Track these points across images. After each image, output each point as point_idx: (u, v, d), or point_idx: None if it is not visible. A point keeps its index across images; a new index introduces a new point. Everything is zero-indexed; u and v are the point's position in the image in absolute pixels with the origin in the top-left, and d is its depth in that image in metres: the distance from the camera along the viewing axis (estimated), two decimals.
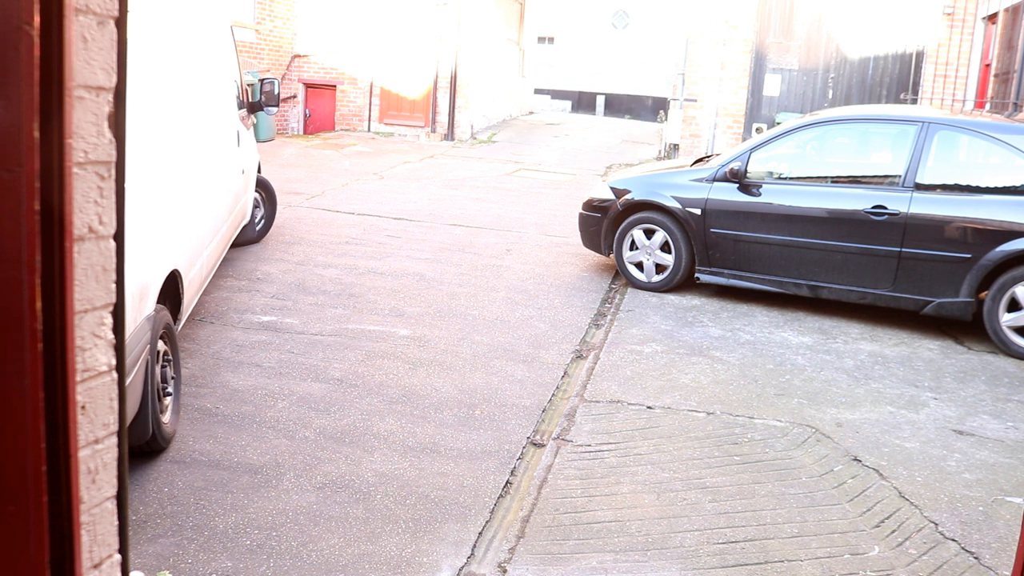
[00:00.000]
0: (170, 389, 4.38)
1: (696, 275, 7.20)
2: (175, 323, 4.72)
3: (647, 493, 3.98)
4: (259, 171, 8.28)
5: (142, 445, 4.07)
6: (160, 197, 4.51)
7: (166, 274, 4.36)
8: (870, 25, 13.34)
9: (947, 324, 6.61)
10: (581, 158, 15.81)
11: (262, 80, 8.19)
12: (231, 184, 6.54)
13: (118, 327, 1.39)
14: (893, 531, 3.73)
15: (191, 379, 5.00)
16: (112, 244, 1.36)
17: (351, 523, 3.63)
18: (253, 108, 8.05)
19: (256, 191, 8.11)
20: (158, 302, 4.24)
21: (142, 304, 3.91)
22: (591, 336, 6.20)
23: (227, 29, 7.04)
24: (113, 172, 1.34)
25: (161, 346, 4.27)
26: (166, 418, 4.28)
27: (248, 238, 7.97)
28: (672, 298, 7.17)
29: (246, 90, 7.82)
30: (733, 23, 13.62)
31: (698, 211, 7.05)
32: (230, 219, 6.52)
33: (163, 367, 4.29)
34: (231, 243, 6.92)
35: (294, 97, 17.44)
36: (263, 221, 8.33)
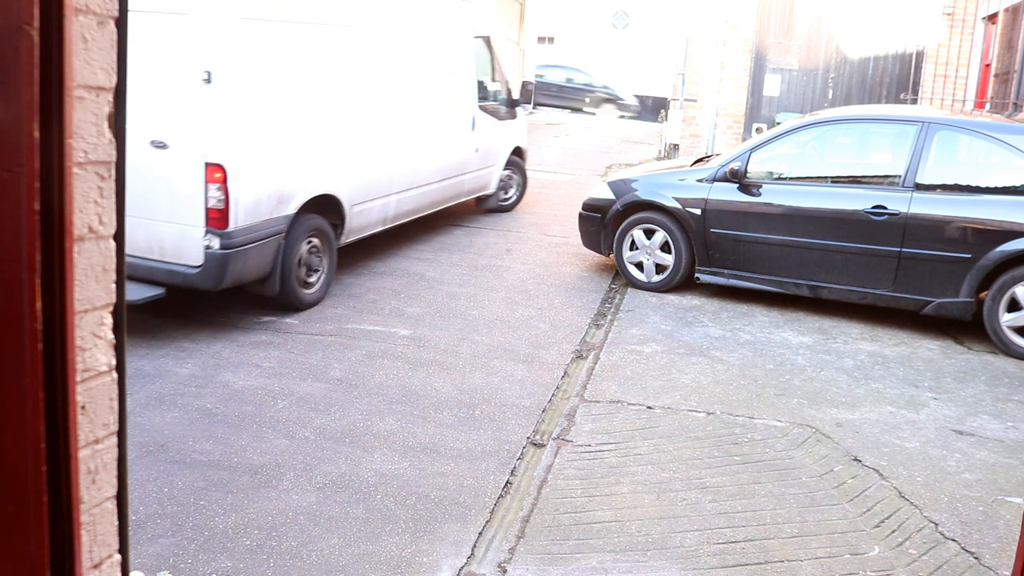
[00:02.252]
0: (317, 267, 6.46)
1: (696, 275, 7.19)
2: (338, 234, 6.78)
3: (647, 493, 3.98)
4: (521, 157, 10.50)
5: (274, 298, 6.16)
6: (329, 144, 6.50)
7: (315, 193, 6.32)
8: (870, 25, 13.33)
9: (947, 324, 6.61)
10: (581, 158, 15.80)
11: (524, 82, 10.80)
12: (455, 156, 8.75)
13: (118, 327, 1.39)
14: (893, 531, 3.73)
15: (191, 379, 5.01)
16: (112, 244, 1.36)
17: (351, 523, 3.63)
18: (513, 103, 10.15)
19: (510, 171, 10.30)
20: (312, 212, 6.32)
21: (280, 205, 5.98)
22: (591, 336, 6.19)
23: (475, 44, 9.20)
24: (113, 172, 1.34)
25: (311, 242, 6.37)
26: (310, 290, 6.43)
27: (494, 207, 10.19)
28: (672, 298, 7.17)
29: (509, 90, 10.15)
30: (733, 23, 13.61)
31: (698, 211, 7.05)
32: (445, 182, 8.62)
33: (309, 255, 6.37)
34: (447, 204, 8.96)
35: None
36: (514, 196, 10.49)
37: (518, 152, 10.44)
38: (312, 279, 6.43)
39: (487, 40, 9.70)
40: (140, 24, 5.49)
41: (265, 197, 5.83)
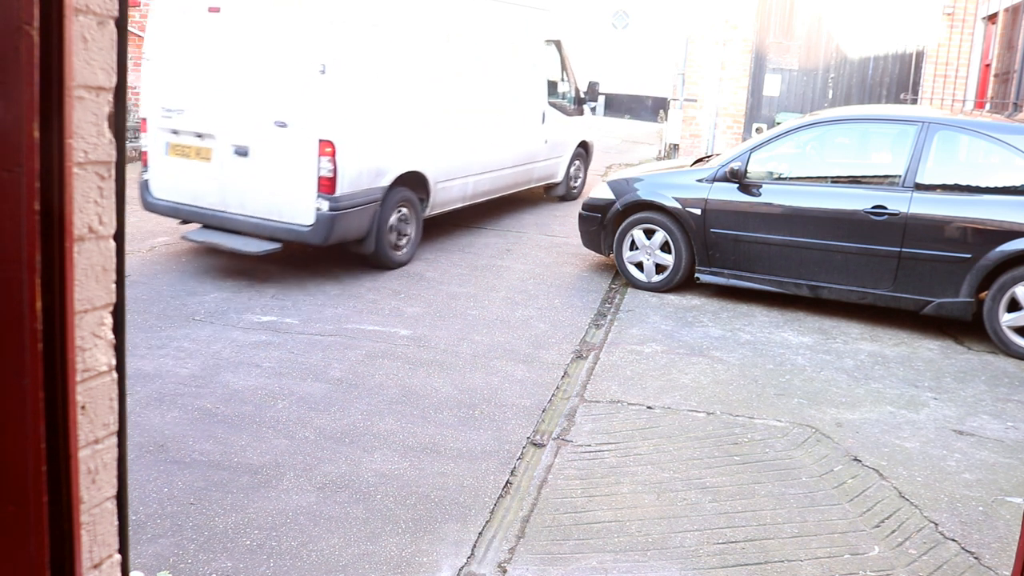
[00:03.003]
0: (407, 232, 7.68)
1: (696, 275, 7.19)
2: (424, 205, 7.96)
3: (647, 493, 3.98)
4: (587, 150, 11.61)
5: (368, 256, 7.36)
6: (419, 129, 7.72)
7: (406, 169, 7.49)
8: (870, 25, 13.33)
9: (947, 324, 6.61)
10: None
11: (590, 82, 11.53)
12: (521, 145, 9.82)
13: (118, 327, 1.39)
14: (893, 531, 3.73)
15: (191, 379, 5.00)
16: (112, 244, 1.36)
17: (351, 523, 3.63)
18: (581, 101, 11.27)
19: (578, 162, 11.44)
20: (402, 185, 7.51)
21: (377, 178, 7.15)
22: (591, 336, 6.19)
23: (545, 49, 10.36)
24: (113, 172, 1.34)
25: (401, 211, 7.56)
26: (400, 252, 7.61)
27: (563, 194, 11.18)
28: (672, 298, 7.17)
29: (577, 88, 11.22)
30: (733, 23, 13.61)
31: (698, 211, 7.05)
32: (517, 168, 9.78)
33: (399, 223, 7.54)
34: (518, 188, 10.10)
35: None
36: (580, 185, 11.56)
37: (584, 145, 11.54)
38: (402, 243, 7.65)
39: (558, 44, 10.85)
40: (266, 24, 6.87)
41: (365, 170, 7.03)
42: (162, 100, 7.35)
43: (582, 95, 11.31)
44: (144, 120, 7.50)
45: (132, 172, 10.31)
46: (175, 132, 7.26)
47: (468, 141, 8.60)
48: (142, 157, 7.57)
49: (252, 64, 6.88)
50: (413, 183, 7.69)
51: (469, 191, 8.82)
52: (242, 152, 6.96)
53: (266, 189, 6.92)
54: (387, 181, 7.27)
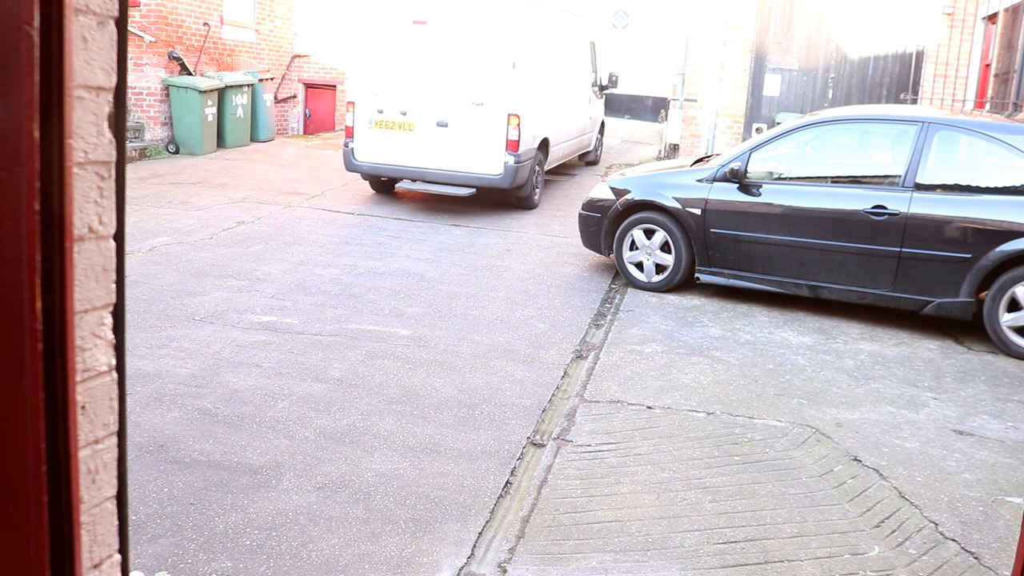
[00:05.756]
0: (538, 183, 10.53)
1: (696, 275, 7.19)
2: (545, 164, 10.90)
3: (647, 493, 3.98)
4: (602, 127, 14.87)
5: (522, 198, 10.26)
6: (546, 108, 10.72)
7: (542, 136, 10.48)
8: (870, 25, 13.33)
9: (947, 324, 6.61)
10: None
11: (610, 73, 14.23)
12: (580, 120, 12.90)
13: (118, 327, 1.39)
14: (893, 531, 3.73)
15: (191, 379, 5.01)
16: (112, 244, 1.36)
17: (351, 523, 3.63)
18: (603, 88, 14.28)
19: (599, 136, 14.75)
20: (538, 149, 10.25)
21: (533, 142, 10.08)
22: (591, 336, 6.19)
23: (588, 47, 13.33)
24: (113, 172, 1.34)
25: (535, 169, 10.28)
26: (536, 198, 10.48)
27: (590, 160, 14.34)
28: (672, 298, 7.16)
29: (599, 77, 14.16)
30: (733, 23, 13.61)
31: (698, 211, 7.05)
32: (578, 137, 12.86)
33: (535, 177, 10.34)
34: (576, 154, 13.26)
35: (294, 97, 17.43)
36: (599, 154, 14.78)
37: (601, 123, 14.80)
38: (536, 191, 10.51)
39: (592, 43, 13.83)
40: (467, 34, 9.66)
41: (530, 136, 9.95)
42: (369, 87, 9.90)
43: (603, 84, 14.20)
44: (351, 103, 10.02)
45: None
46: (380, 111, 9.85)
47: (562, 116, 11.61)
48: (347, 131, 10.06)
49: (452, 60, 9.65)
50: (542, 146, 10.51)
51: (560, 154, 11.75)
52: (443, 124, 9.71)
53: (463, 150, 9.66)
54: (536, 144, 10.17)
